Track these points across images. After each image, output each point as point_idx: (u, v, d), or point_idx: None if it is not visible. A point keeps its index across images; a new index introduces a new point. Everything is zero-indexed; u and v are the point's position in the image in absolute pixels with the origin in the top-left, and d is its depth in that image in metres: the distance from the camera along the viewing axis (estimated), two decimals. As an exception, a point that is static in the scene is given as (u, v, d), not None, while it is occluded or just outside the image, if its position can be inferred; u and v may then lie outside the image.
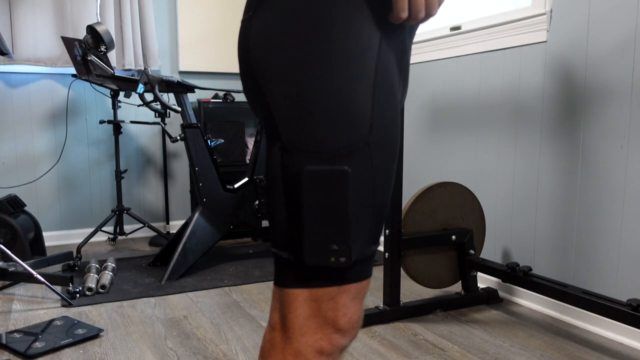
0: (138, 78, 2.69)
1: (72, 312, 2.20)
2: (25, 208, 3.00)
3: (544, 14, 2.13)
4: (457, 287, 2.47)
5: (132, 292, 2.44)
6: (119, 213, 3.22)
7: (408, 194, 3.00)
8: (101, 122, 3.12)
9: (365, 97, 0.66)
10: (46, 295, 2.41)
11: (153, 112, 3.53)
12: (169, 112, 3.21)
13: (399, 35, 0.72)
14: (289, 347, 0.70)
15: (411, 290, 2.47)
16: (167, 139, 3.59)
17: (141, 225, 3.51)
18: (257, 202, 2.94)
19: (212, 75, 3.72)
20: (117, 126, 3.14)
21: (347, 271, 0.69)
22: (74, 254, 3.09)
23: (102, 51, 2.66)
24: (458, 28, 2.59)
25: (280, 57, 0.66)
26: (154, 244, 3.35)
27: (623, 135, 1.89)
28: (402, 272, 2.72)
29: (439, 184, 2.23)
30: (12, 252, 2.44)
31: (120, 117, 3.47)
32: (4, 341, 1.88)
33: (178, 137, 2.76)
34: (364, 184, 0.67)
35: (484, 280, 2.51)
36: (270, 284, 2.58)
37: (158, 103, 2.77)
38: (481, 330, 2.04)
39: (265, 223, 2.97)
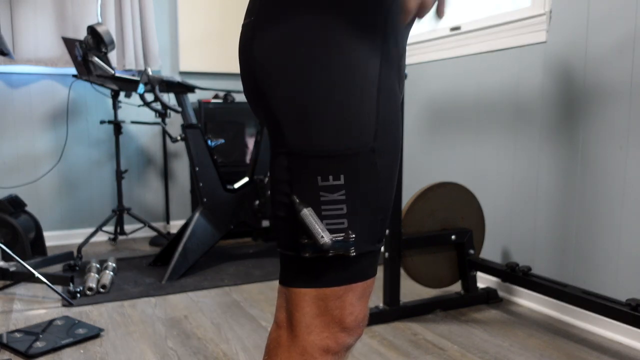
0: (138, 78, 2.70)
1: (73, 312, 2.21)
2: (26, 208, 3.00)
3: (543, 14, 2.14)
4: (456, 287, 2.47)
5: (133, 292, 2.44)
6: (120, 213, 3.23)
7: (408, 194, 3.00)
8: (102, 122, 3.12)
9: (370, 104, 0.68)
10: (47, 295, 2.42)
11: (153, 113, 3.53)
12: (170, 113, 3.21)
13: (399, 41, 0.74)
14: (295, 345, 0.70)
15: (411, 290, 2.47)
16: (168, 139, 3.60)
17: (142, 225, 3.51)
18: (257, 202, 2.94)
19: (213, 75, 3.73)
20: (117, 126, 3.14)
21: (353, 270, 0.69)
22: (75, 253, 3.09)
23: (102, 51, 2.66)
24: (458, 28, 2.60)
25: (288, 66, 0.67)
26: (155, 244, 3.35)
27: (622, 135, 1.90)
28: (402, 272, 2.73)
29: (439, 184, 2.24)
30: (12, 252, 2.45)
31: (120, 117, 3.48)
32: (4, 341, 1.88)
33: (178, 137, 2.77)
34: (368, 187, 0.68)
35: (483, 280, 2.52)
36: (271, 283, 2.59)
37: (158, 103, 2.77)
38: (481, 329, 2.04)
39: (265, 223, 2.97)
